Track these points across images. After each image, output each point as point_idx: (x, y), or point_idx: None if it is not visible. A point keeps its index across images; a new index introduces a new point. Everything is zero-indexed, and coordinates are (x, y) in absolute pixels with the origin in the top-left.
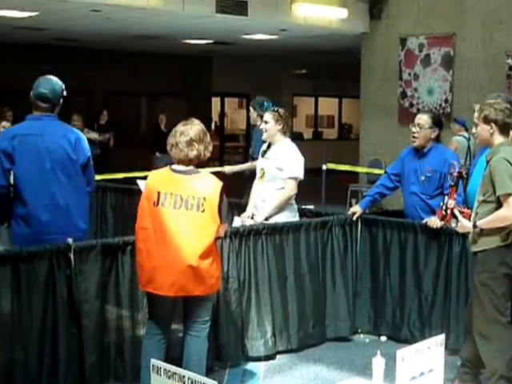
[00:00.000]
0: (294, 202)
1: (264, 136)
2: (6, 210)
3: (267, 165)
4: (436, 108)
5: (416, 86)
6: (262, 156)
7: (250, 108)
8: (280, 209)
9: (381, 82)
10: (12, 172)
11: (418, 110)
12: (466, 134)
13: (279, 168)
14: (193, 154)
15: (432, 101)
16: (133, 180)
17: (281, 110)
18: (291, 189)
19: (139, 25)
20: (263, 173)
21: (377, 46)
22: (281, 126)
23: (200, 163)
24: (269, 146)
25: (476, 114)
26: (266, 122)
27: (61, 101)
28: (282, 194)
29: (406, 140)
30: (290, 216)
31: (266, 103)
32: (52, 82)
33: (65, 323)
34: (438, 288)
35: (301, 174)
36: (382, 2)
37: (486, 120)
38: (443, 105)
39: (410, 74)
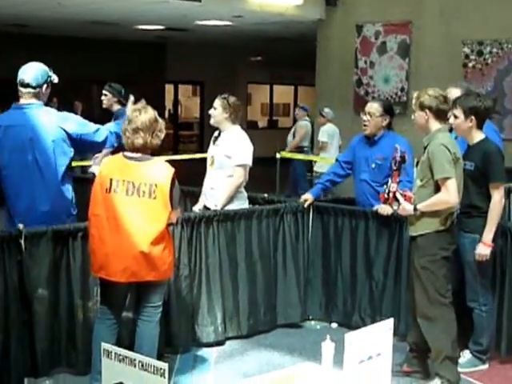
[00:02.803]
0: (243, 189)
1: (211, 121)
2: None
3: (217, 152)
4: (392, 96)
5: (372, 74)
6: (213, 143)
7: (107, 93)
8: (231, 197)
9: (337, 70)
10: None
11: (374, 99)
12: (307, 119)
13: (227, 156)
14: (138, 142)
15: (388, 89)
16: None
17: (231, 98)
18: (240, 176)
19: (91, 11)
20: (213, 160)
21: (333, 33)
22: (228, 114)
23: (153, 151)
24: (219, 134)
25: (414, 101)
26: (214, 108)
27: (45, 87)
28: (231, 183)
29: (361, 129)
30: (239, 204)
31: (123, 90)
32: (34, 68)
33: (16, 309)
34: (388, 275)
35: (249, 162)
36: None
37: (421, 107)
38: (399, 93)
39: (366, 62)
